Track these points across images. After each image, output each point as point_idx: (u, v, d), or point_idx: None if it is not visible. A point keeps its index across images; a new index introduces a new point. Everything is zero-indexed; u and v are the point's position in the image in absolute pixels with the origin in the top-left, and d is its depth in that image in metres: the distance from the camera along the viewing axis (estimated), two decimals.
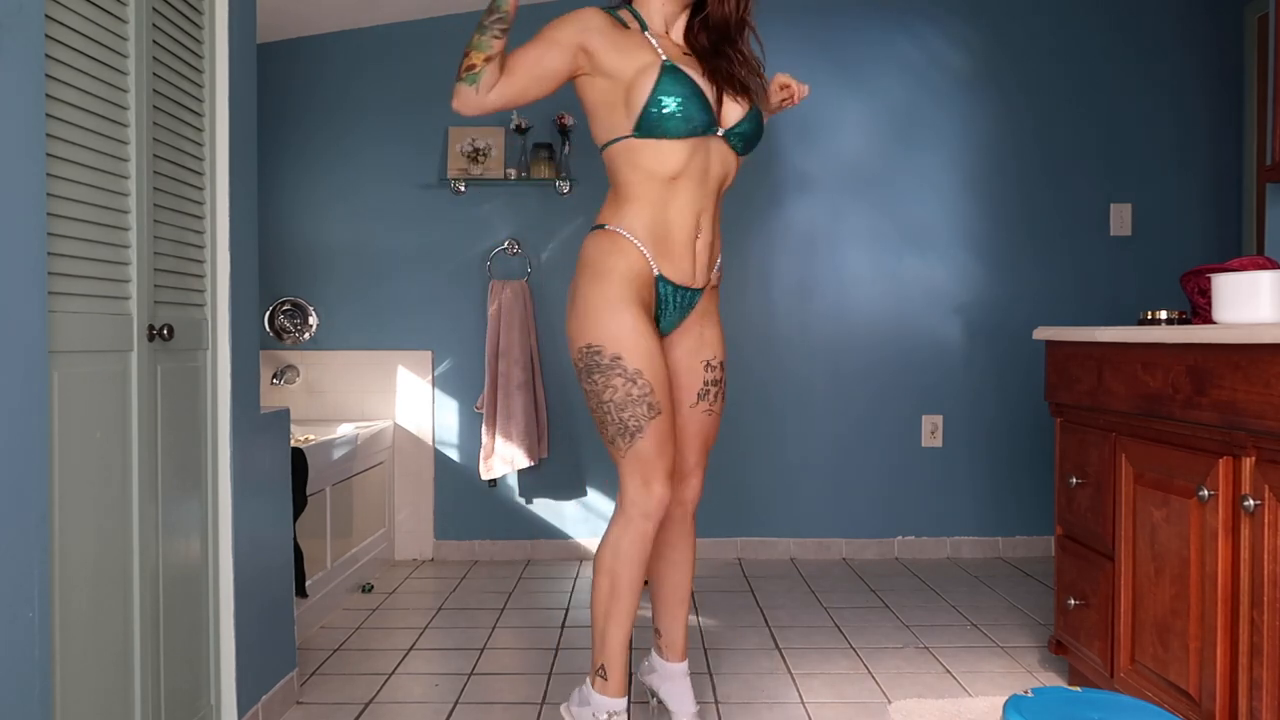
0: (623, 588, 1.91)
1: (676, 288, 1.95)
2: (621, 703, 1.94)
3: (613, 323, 1.87)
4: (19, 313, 1.30)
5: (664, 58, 1.89)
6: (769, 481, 3.88)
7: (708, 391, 2.03)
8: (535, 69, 1.87)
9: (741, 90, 1.96)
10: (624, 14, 1.98)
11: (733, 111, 1.94)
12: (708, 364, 2.03)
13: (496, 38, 1.81)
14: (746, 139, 1.97)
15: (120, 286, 1.60)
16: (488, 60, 1.81)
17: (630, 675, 1.93)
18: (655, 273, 1.92)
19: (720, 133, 1.93)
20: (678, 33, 2.00)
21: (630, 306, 1.87)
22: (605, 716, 1.94)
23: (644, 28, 1.96)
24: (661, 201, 1.91)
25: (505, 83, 1.85)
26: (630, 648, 1.97)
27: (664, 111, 1.84)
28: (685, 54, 1.98)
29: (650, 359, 1.87)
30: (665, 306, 1.97)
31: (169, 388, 1.77)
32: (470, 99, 1.84)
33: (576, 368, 1.94)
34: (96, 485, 1.54)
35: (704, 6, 1.99)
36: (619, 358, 1.86)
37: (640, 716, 2.23)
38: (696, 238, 1.95)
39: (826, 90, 3.79)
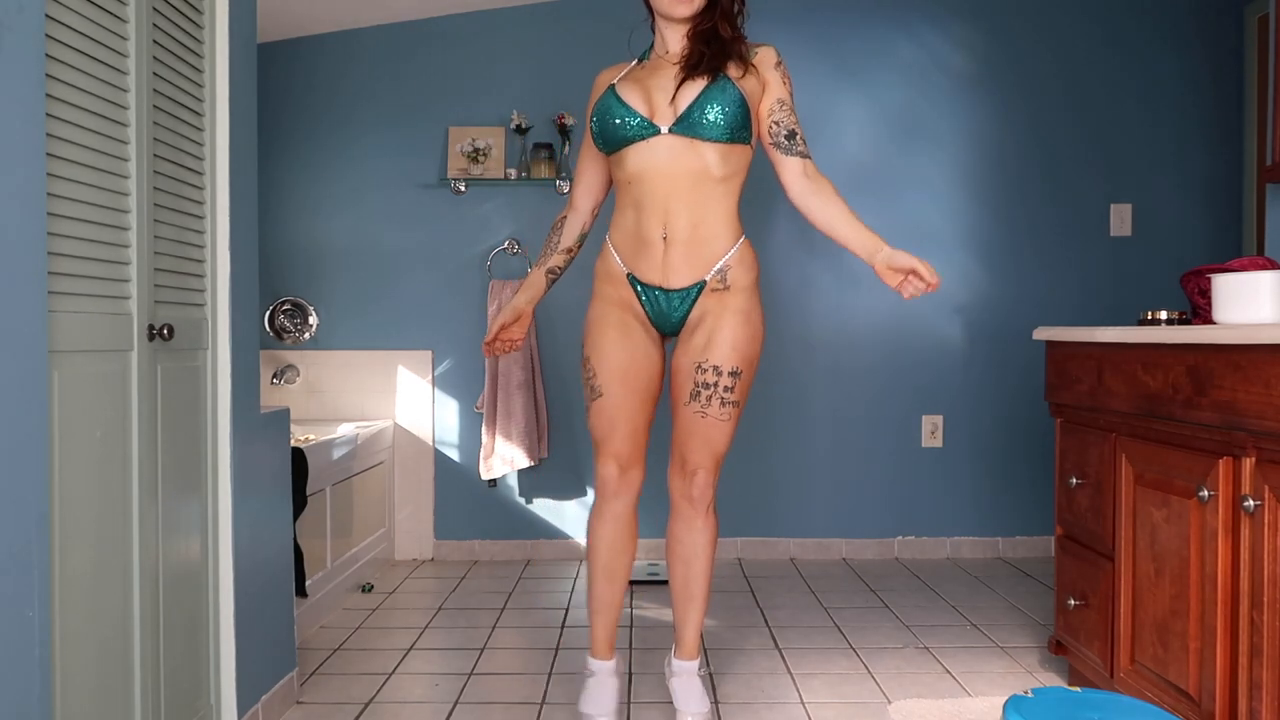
0: (592, 559, 2.15)
1: (646, 286, 2.06)
2: (595, 663, 2.18)
3: (595, 337, 2.11)
4: (19, 313, 1.30)
5: (614, 82, 2.06)
6: (769, 481, 3.88)
7: (698, 394, 2.04)
8: (590, 169, 2.17)
9: (706, 72, 1.98)
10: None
11: (684, 99, 1.97)
12: (699, 367, 2.04)
13: (546, 262, 2.21)
14: (705, 125, 1.96)
15: (120, 286, 1.60)
16: (564, 250, 2.21)
17: (611, 642, 2.18)
18: (625, 272, 2.08)
19: (665, 130, 1.97)
20: (675, 50, 2.06)
21: (608, 324, 2.09)
22: (586, 671, 2.20)
23: (643, 57, 2.12)
24: (634, 205, 2.05)
25: (584, 197, 2.19)
26: (614, 619, 2.17)
27: (594, 130, 2.06)
28: (673, 65, 2.04)
29: (601, 351, 2.08)
30: (647, 305, 2.08)
31: (169, 387, 1.77)
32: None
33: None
34: (96, 485, 1.54)
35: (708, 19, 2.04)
36: (588, 359, 2.12)
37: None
38: (664, 237, 2.02)
39: (826, 90, 3.80)
